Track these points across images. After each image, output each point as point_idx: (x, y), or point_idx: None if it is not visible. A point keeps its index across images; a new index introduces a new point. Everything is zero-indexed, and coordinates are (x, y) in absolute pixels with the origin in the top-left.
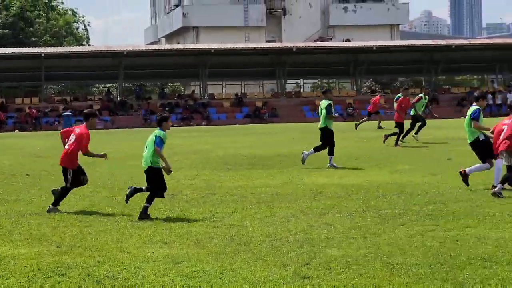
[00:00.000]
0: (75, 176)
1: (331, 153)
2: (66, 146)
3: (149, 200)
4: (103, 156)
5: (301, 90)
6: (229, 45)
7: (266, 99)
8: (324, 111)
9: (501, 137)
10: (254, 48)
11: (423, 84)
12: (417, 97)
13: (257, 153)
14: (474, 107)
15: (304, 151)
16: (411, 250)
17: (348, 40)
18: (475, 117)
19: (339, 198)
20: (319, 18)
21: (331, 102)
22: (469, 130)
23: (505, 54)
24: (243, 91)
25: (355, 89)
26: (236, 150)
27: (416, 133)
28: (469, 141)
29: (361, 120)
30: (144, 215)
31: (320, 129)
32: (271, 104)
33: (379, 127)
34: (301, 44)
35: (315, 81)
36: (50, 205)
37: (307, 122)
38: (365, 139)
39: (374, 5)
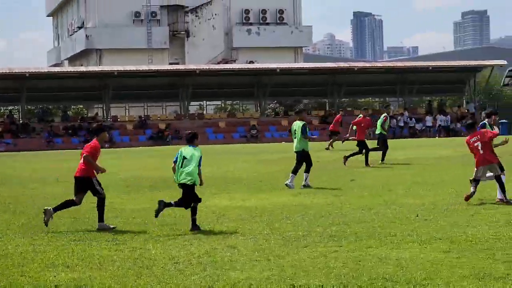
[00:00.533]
0: (99, 183)
1: (307, 171)
2: (81, 161)
3: (195, 212)
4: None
5: (204, 112)
6: (132, 67)
7: (169, 121)
8: (299, 133)
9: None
10: (157, 70)
11: (327, 106)
12: (383, 117)
13: (160, 175)
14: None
15: (301, 182)
16: (315, 271)
17: (251, 62)
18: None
19: (242, 220)
20: (222, 40)
21: (305, 122)
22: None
23: (405, 77)
24: (146, 113)
25: (259, 111)
26: (139, 172)
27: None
28: None
29: (330, 142)
30: (195, 227)
31: (297, 152)
32: (174, 126)
33: (327, 148)
34: (204, 66)
35: (219, 103)
36: (98, 223)
37: (210, 144)
38: (266, 161)
39: (278, 28)
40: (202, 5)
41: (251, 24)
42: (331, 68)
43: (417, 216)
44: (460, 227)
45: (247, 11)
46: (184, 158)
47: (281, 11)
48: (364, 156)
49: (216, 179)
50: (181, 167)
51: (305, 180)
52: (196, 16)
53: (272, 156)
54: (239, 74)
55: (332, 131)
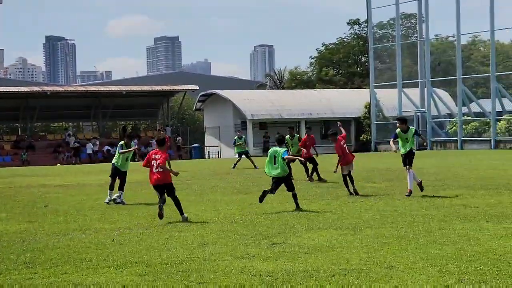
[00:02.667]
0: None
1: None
2: (156, 170)
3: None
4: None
5: None
6: None
7: None
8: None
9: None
10: None
11: (19, 131)
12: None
13: None
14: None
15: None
16: None
17: None
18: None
19: None
20: None
21: (122, 142)
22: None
23: (99, 101)
24: None
25: None
26: None
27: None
28: (408, 150)
29: None
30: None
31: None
32: None
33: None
34: None
35: None
36: (181, 216)
37: None
38: None
39: None
40: None
41: None
42: (23, 92)
43: (112, 240)
44: (155, 250)
45: None
46: (274, 156)
47: None
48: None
49: None
50: (274, 163)
51: (120, 197)
52: None
53: None
54: None
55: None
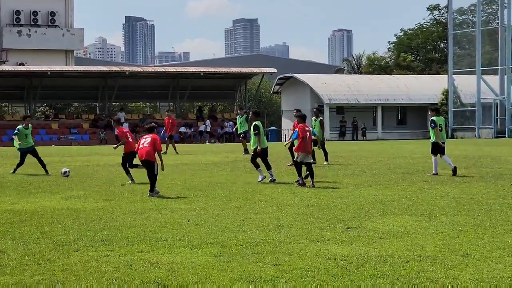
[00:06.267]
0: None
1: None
2: (146, 145)
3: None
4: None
5: None
6: None
7: None
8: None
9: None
10: None
11: (98, 110)
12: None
13: None
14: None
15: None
16: (86, 275)
17: (22, 64)
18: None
19: (12, 224)
20: None
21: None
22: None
23: (177, 82)
24: None
25: (28, 114)
26: None
27: None
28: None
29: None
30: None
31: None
32: None
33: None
34: None
35: None
36: (149, 192)
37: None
38: (36, 164)
39: (49, 30)
40: None
41: (21, 25)
42: (102, 71)
43: (188, 221)
44: (231, 231)
45: (17, 12)
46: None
47: (52, 14)
48: None
49: None
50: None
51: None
52: None
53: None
54: (9, 76)
55: (171, 135)
